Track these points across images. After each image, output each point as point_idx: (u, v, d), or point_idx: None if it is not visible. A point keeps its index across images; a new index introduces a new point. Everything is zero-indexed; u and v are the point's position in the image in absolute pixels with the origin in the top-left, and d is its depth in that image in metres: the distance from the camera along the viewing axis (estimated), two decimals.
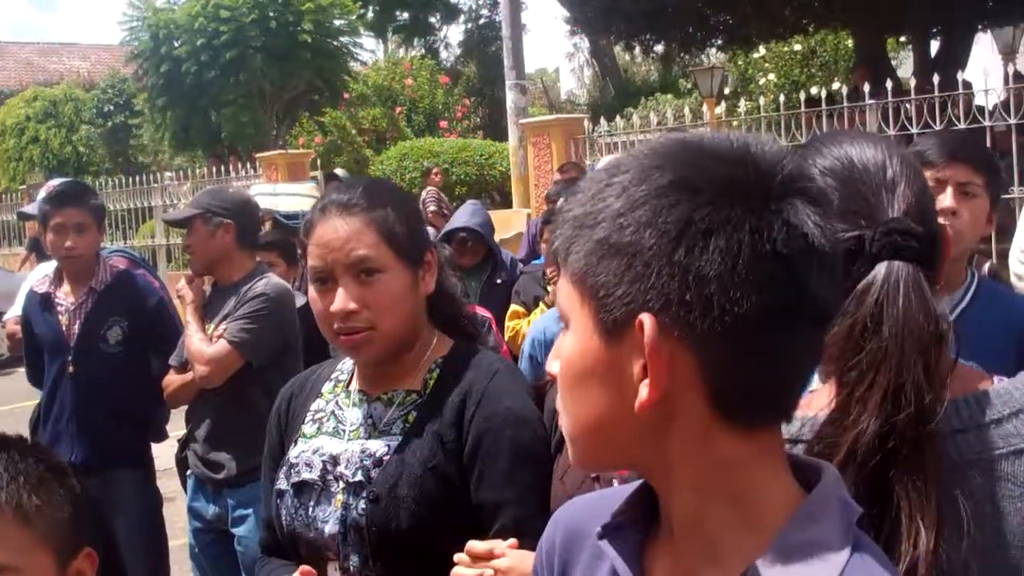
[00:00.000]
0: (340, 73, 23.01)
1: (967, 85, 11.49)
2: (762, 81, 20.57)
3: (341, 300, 2.08)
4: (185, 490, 4.57)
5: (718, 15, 15.44)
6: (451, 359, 2.21)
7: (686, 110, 12.54)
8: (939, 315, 1.34)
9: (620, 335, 1.06)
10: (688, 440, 1.08)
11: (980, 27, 16.62)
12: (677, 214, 1.03)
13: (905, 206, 1.40)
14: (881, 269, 1.35)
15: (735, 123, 12.10)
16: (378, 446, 2.12)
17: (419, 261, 2.18)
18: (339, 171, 12.42)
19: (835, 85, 13.94)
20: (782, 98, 11.38)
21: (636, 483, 1.21)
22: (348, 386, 2.28)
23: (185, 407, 4.53)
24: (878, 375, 1.30)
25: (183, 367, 4.40)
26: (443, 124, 24.38)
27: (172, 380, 4.47)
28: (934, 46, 16.47)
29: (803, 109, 10.86)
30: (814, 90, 13.41)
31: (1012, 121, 9.07)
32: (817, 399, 1.40)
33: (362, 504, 2.07)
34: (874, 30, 15.39)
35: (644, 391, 1.04)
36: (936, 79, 9.74)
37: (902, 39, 20.03)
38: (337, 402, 2.26)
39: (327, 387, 2.31)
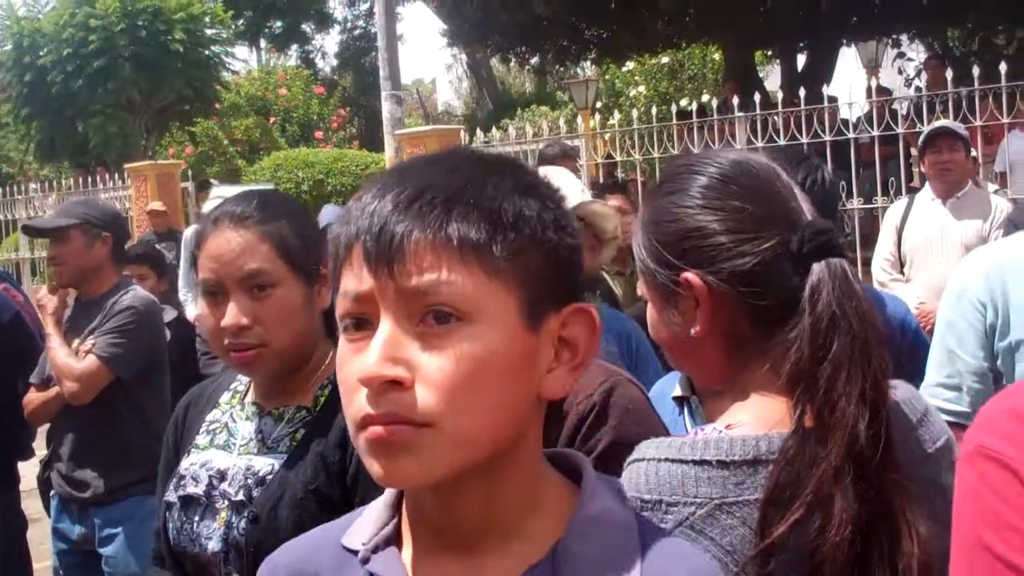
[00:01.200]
0: (212, 83, 22.66)
1: (832, 99, 11.82)
2: (632, 93, 20.85)
3: (232, 315, 2.01)
4: (48, 512, 4.42)
5: (591, 29, 15.57)
6: None
7: (561, 122, 12.63)
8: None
9: (540, 323, 1.11)
10: (536, 424, 1.16)
11: (844, 42, 17.10)
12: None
13: (812, 208, 1.44)
14: (821, 267, 1.37)
15: (608, 135, 12.22)
16: (263, 464, 2.06)
17: (314, 275, 2.12)
18: (213, 181, 12.14)
19: (704, 97, 14.20)
20: (654, 110, 11.54)
21: (363, 510, 1.25)
22: (244, 398, 2.21)
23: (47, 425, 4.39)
24: (853, 367, 1.31)
25: (45, 384, 4.26)
26: (318, 135, 24.18)
27: (33, 398, 4.31)
28: (800, 60, 16.90)
29: (675, 122, 11.02)
30: (684, 102, 13.65)
31: (875, 133, 9.33)
32: (754, 416, 1.40)
33: (243, 523, 2.01)
34: (742, 45, 15.72)
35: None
36: (803, 93, 9.99)
37: (769, 53, 20.49)
38: (232, 415, 2.19)
39: (225, 397, 2.25)
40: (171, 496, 2.13)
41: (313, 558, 1.26)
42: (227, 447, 2.14)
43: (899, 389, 1.47)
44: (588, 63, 21.03)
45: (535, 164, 9.43)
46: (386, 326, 1.06)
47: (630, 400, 1.94)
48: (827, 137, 9.54)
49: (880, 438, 1.31)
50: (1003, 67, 8.65)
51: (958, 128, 6.10)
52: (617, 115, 12.14)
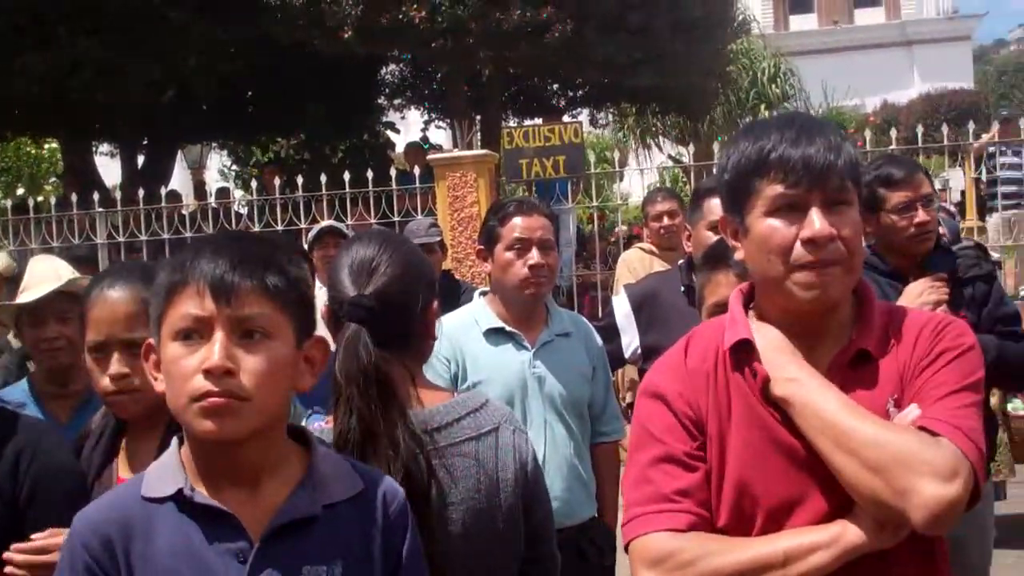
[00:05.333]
0: None
1: (176, 196, 12.33)
2: None
3: None
4: None
5: None
6: None
7: None
8: (379, 361, 2.14)
9: (301, 344, 1.82)
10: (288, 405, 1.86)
11: (180, 144, 17.64)
12: None
13: (379, 286, 2.20)
14: (346, 328, 2.17)
15: None
16: None
17: None
18: None
19: (19, 191, 14.00)
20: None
21: (142, 475, 1.82)
22: None
23: None
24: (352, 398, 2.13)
25: None
26: None
27: None
28: (141, 158, 17.09)
29: (11, 216, 10.96)
30: (17, 194, 13.31)
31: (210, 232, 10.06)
32: None
33: None
34: (82, 141, 15.78)
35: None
36: (145, 191, 10.54)
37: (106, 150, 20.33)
38: None
39: None
40: None
41: (123, 508, 1.77)
42: None
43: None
44: None
45: None
46: (221, 336, 1.71)
47: None
48: (165, 235, 10.33)
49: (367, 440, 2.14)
50: (347, 176, 9.91)
51: (342, 227, 6.95)
52: None
